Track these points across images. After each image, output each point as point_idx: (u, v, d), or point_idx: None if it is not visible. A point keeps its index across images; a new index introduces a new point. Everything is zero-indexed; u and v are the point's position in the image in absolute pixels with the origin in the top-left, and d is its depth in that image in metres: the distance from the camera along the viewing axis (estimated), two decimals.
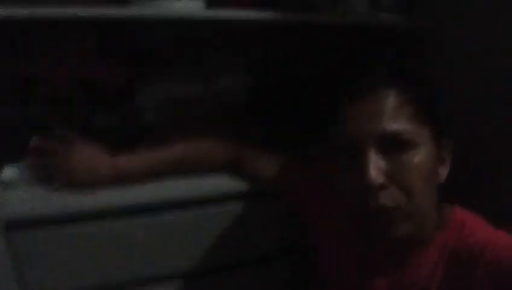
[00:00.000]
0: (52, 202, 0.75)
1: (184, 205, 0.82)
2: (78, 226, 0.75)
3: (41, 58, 0.81)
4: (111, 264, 0.78)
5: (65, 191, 0.76)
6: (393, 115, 0.61)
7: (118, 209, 0.77)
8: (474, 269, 0.59)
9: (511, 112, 0.80)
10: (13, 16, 0.72)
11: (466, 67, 0.89)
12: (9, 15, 0.71)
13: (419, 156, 0.61)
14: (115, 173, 0.78)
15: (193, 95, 0.92)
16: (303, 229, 0.84)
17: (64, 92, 0.83)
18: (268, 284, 0.92)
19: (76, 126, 0.84)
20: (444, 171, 0.66)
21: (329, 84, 1.08)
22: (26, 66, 0.81)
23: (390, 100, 0.62)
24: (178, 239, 0.83)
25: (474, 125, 0.86)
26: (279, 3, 0.90)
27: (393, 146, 0.61)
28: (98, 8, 0.76)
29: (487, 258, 0.59)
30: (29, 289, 0.74)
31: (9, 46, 0.79)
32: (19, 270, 0.74)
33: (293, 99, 0.99)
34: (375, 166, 0.60)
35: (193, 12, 0.83)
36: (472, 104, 0.87)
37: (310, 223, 0.81)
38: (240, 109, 0.94)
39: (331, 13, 0.92)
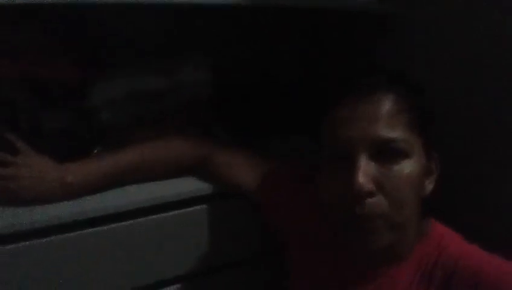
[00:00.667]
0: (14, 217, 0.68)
1: (148, 210, 0.77)
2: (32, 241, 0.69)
3: None
4: (69, 279, 0.73)
5: (15, 206, 0.70)
6: (389, 121, 0.59)
7: (74, 221, 0.71)
8: (448, 281, 0.60)
9: (492, 104, 0.77)
10: None
11: (439, 57, 0.85)
12: None
13: (411, 167, 0.59)
14: (66, 187, 0.72)
15: (152, 91, 0.85)
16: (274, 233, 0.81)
17: (10, 93, 0.75)
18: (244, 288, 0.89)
19: (24, 130, 0.76)
20: (430, 185, 0.65)
21: (304, 79, 1.05)
22: None
23: (388, 106, 0.60)
24: (145, 247, 0.78)
25: (452, 125, 0.83)
26: None
27: (386, 154, 0.59)
28: None
29: (461, 270, 0.59)
30: None
31: None
32: None
33: (260, 94, 0.94)
34: (365, 172, 0.57)
35: None
36: (446, 99, 0.84)
37: (282, 229, 0.78)
38: (203, 104, 0.88)
39: None
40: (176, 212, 0.79)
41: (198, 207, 0.81)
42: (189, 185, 0.81)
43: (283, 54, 1.00)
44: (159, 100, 0.87)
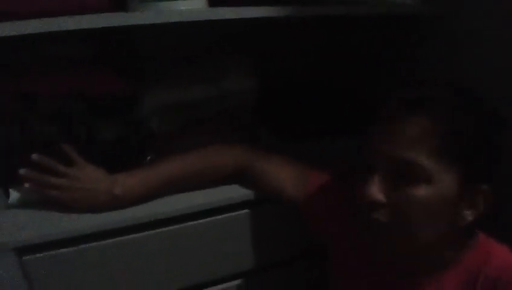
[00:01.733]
0: (61, 225, 0.73)
1: (194, 216, 0.80)
2: (87, 246, 0.75)
3: (39, 73, 0.77)
4: (122, 281, 0.78)
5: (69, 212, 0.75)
6: (414, 143, 0.58)
7: (125, 226, 0.75)
8: None
9: None
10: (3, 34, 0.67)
11: (489, 61, 0.83)
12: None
13: (428, 193, 0.58)
14: (114, 199, 0.76)
15: (198, 99, 0.88)
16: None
17: (63, 108, 0.80)
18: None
19: (78, 142, 0.80)
20: (471, 216, 0.61)
21: (352, 83, 1.04)
22: (23, 82, 0.77)
23: (419, 127, 0.58)
24: (191, 250, 0.82)
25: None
26: None
27: (404, 175, 0.59)
28: (94, 17, 0.71)
29: (504, 283, 0.59)
30: None
31: (4, 63, 0.75)
32: None
33: (304, 100, 0.95)
34: (377, 185, 0.60)
35: (196, 13, 0.77)
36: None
37: (324, 236, 0.79)
38: (248, 111, 0.90)
39: (342, 5, 0.86)
40: (220, 216, 0.82)
41: (241, 212, 0.84)
42: (231, 192, 0.83)
43: (331, 58, 1.00)
44: (206, 107, 0.90)
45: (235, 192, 0.83)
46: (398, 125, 0.59)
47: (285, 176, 0.81)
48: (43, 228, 0.73)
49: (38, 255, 0.73)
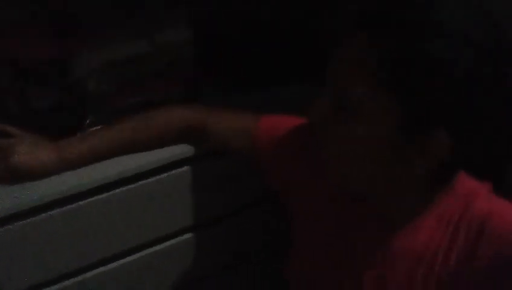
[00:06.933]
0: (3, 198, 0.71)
1: (140, 177, 0.79)
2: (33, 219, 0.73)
3: None
4: (74, 250, 0.78)
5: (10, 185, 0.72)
6: (351, 69, 0.53)
7: (70, 195, 0.74)
8: (476, 240, 0.56)
9: None
10: None
11: None
12: None
13: (363, 131, 0.54)
14: (60, 162, 0.74)
15: (135, 55, 0.85)
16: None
17: None
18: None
19: (10, 114, 0.77)
20: (422, 168, 0.55)
21: (298, 22, 0.98)
22: None
23: (358, 49, 0.52)
24: (138, 212, 0.82)
25: None
26: None
27: (344, 106, 0.54)
28: None
29: (491, 230, 0.55)
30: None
31: None
32: None
33: (246, 47, 0.91)
34: (322, 108, 0.57)
35: None
36: None
37: (285, 187, 0.77)
38: (188, 64, 0.87)
39: None
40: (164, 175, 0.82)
41: (184, 168, 0.83)
42: (171, 150, 0.82)
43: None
44: (144, 63, 0.87)
45: (176, 149, 0.82)
46: (344, 47, 0.54)
47: (232, 127, 0.78)
48: None
49: None
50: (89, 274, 0.80)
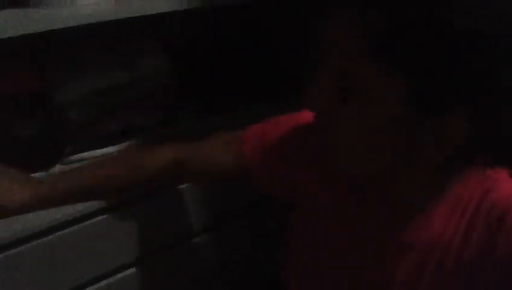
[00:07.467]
0: None
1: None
2: None
3: None
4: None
5: None
6: (345, 47, 0.49)
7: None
8: (496, 231, 0.52)
9: None
10: None
11: None
12: None
13: (365, 114, 0.50)
14: (35, 201, 0.71)
15: (114, 84, 0.88)
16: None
17: None
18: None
19: None
20: (436, 149, 0.50)
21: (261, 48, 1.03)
22: None
23: (349, 24, 0.47)
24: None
25: None
26: None
27: (343, 87, 0.50)
28: None
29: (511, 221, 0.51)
30: None
31: None
32: None
33: (219, 71, 0.95)
34: (318, 96, 0.53)
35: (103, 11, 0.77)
36: None
37: (283, 191, 0.73)
38: (166, 92, 0.90)
39: None
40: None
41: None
42: None
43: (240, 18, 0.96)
44: (123, 92, 0.90)
45: None
46: (334, 26, 0.49)
47: (220, 153, 0.74)
48: None
49: None
50: None
